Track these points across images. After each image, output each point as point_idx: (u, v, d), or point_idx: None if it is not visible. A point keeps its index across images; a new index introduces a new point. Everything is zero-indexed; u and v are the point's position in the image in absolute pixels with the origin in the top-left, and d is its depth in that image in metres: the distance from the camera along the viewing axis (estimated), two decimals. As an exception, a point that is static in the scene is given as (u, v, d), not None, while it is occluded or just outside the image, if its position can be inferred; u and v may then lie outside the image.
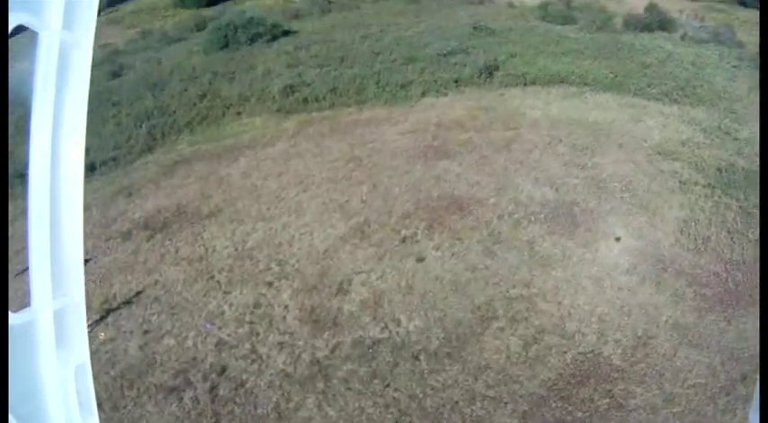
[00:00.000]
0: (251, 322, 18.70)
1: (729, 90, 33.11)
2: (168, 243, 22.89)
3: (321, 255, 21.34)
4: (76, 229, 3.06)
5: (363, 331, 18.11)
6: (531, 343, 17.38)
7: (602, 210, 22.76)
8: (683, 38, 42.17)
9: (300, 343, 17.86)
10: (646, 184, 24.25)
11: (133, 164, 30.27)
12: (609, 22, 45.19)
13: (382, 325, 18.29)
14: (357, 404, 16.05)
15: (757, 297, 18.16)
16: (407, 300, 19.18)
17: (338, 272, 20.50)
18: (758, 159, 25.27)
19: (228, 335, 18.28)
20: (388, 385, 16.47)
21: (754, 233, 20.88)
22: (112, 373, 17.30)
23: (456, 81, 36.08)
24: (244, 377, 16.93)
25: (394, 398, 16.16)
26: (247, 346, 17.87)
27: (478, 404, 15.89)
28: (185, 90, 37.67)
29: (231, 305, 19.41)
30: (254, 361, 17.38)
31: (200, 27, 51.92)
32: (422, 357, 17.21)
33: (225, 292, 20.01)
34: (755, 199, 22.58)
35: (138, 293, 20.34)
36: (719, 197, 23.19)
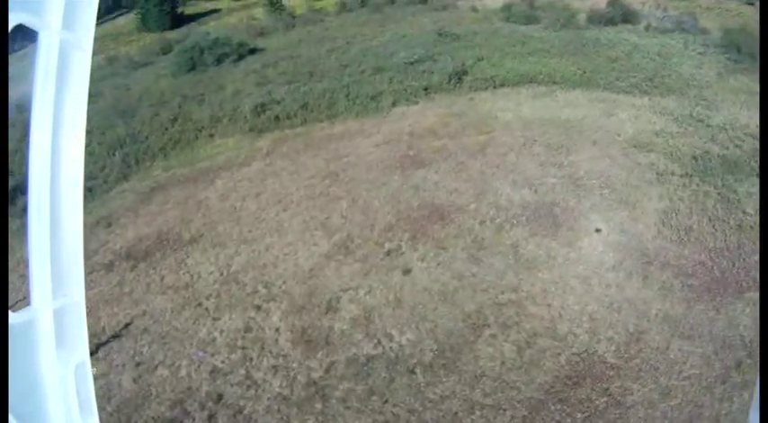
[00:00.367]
0: (243, 347, 18.48)
1: (698, 77, 33.56)
2: (152, 272, 22.59)
3: (307, 274, 21.18)
4: (76, 229, 3.06)
5: (357, 348, 17.97)
6: (525, 347, 17.36)
7: (582, 208, 22.90)
8: (647, 29, 42.80)
9: (294, 365, 17.67)
10: (623, 178, 24.45)
11: (109, 193, 29.87)
12: (572, 18, 45.76)
13: (375, 341, 18.17)
14: (357, 422, 15.91)
15: (744, 284, 18.40)
16: (397, 313, 19.09)
17: (326, 290, 20.36)
18: (732, 145, 25.66)
19: (222, 362, 18.04)
20: (386, 401, 16.33)
21: (736, 219, 21.14)
22: (109, 409, 16.95)
23: (425, 88, 36.22)
24: (241, 403, 16.69)
25: (393, 413, 16.03)
26: (242, 371, 17.64)
27: (478, 413, 15.82)
28: (156, 115, 37.33)
29: (222, 331, 19.17)
30: (249, 386, 17.15)
31: (165, 50, 51.72)
32: (417, 370, 17.10)
33: (214, 319, 19.76)
34: (734, 184, 22.88)
35: (127, 325, 20.01)
36: (698, 185, 23.44)
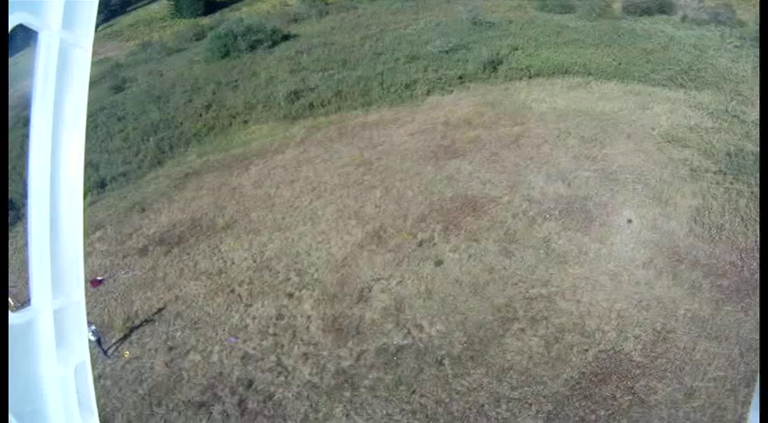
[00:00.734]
0: (275, 334, 18.96)
1: (734, 71, 33.10)
2: (186, 257, 23.15)
3: (340, 263, 21.56)
4: (76, 229, 3.03)
5: (387, 338, 18.34)
6: (553, 343, 17.57)
7: (615, 203, 22.90)
8: (683, 20, 42.12)
9: (325, 353, 18.11)
10: (657, 174, 24.35)
11: (144, 178, 30.51)
12: (608, 8, 45.20)
13: (405, 331, 18.52)
14: (384, 411, 16.29)
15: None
16: (428, 304, 19.39)
17: (358, 279, 20.73)
18: None
19: (253, 348, 18.54)
20: (414, 391, 16.70)
21: (768, 219, 20.98)
22: (140, 392, 17.58)
23: (460, 77, 36.19)
24: (271, 389, 17.19)
25: (421, 404, 16.39)
26: (273, 358, 18.13)
27: (504, 406, 16.11)
28: (190, 101, 37.88)
29: (254, 318, 19.66)
30: (280, 373, 17.65)
31: (198, 36, 52.11)
32: (446, 362, 17.43)
33: (246, 305, 20.26)
34: None
35: (160, 310, 20.62)
36: (731, 183, 23.27)
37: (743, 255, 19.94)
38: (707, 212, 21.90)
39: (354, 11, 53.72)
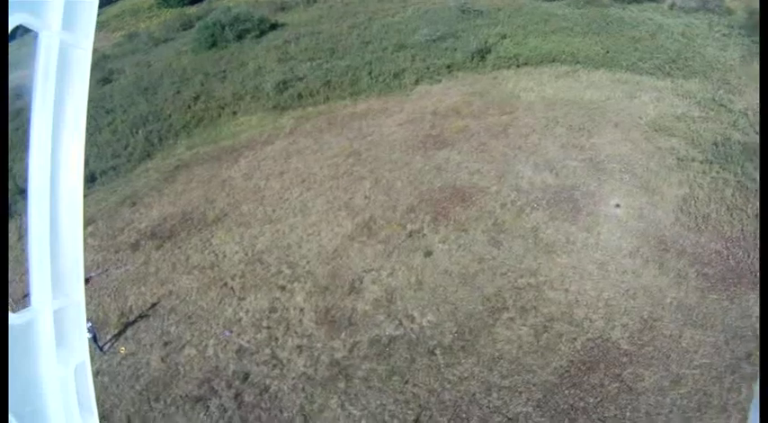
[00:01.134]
0: (268, 327, 19.14)
1: (721, 60, 33.33)
2: (178, 251, 23.25)
3: (330, 255, 21.73)
4: (76, 229, 3.08)
5: (379, 329, 18.56)
6: (542, 332, 17.84)
7: (602, 192, 23.15)
8: (671, 7, 42.27)
9: (319, 345, 18.31)
10: (644, 163, 24.60)
11: (133, 171, 30.53)
12: (596, -5, 45.25)
13: (396, 322, 18.74)
14: (378, 402, 16.52)
15: (758, 274, 18.65)
16: (419, 295, 19.62)
17: (349, 271, 20.92)
18: (753, 132, 25.67)
19: (248, 341, 18.72)
20: (407, 381, 16.94)
21: (753, 208, 21.30)
22: (138, 387, 17.73)
23: (448, 66, 36.34)
24: (267, 382, 17.39)
25: (413, 393, 16.63)
26: (267, 351, 18.32)
27: (495, 395, 16.38)
28: (178, 92, 37.84)
29: (247, 311, 19.83)
30: (275, 366, 17.84)
31: (185, 26, 51.89)
32: (437, 352, 17.67)
33: (240, 299, 20.42)
34: (753, 172, 22.97)
35: (154, 305, 20.73)
36: (717, 172, 23.55)
37: (728, 244, 20.24)
38: (693, 202, 22.18)
39: (342, -2, 53.70)
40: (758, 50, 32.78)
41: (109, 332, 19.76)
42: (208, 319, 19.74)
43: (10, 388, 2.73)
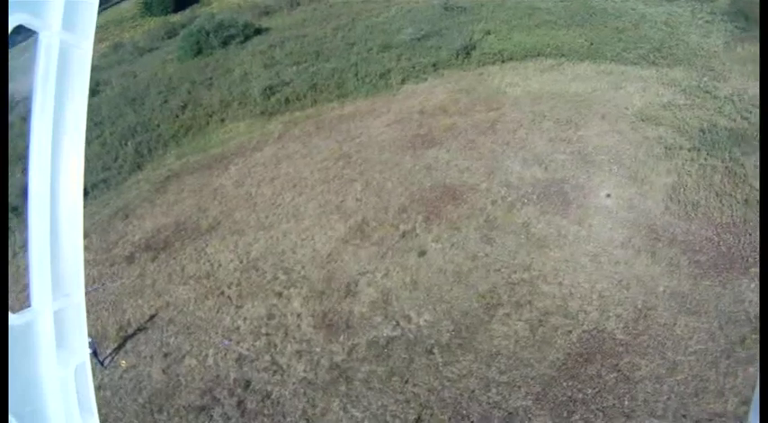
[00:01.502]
0: (267, 334, 19.25)
1: (705, 47, 33.50)
2: (173, 262, 23.30)
3: (325, 259, 21.84)
4: (76, 229, 3.08)
5: (377, 331, 18.70)
6: (537, 326, 18.01)
7: (591, 184, 23.32)
8: (654, -4, 42.42)
9: (318, 349, 18.44)
10: (632, 153, 24.77)
11: (125, 183, 30.49)
12: (578, -13, 45.38)
13: (394, 323, 18.89)
14: (380, 403, 16.68)
15: (750, 259, 18.87)
16: (414, 295, 19.76)
17: (344, 274, 21.04)
18: (740, 117, 25.87)
19: (247, 349, 18.84)
20: (406, 381, 17.10)
21: (743, 193, 21.50)
22: (140, 400, 17.84)
23: (434, 65, 36.37)
24: (268, 388, 17.52)
25: (414, 393, 16.79)
26: (267, 357, 18.44)
27: (494, 390, 16.55)
28: (165, 102, 37.68)
29: (245, 319, 19.93)
30: (275, 372, 17.97)
31: (170, 34, 51.63)
32: (435, 351, 17.83)
33: (237, 307, 20.52)
34: (741, 158, 23.16)
35: (152, 317, 20.81)
36: (705, 159, 23.72)
37: (719, 230, 20.43)
38: (682, 190, 22.36)
39: (326, 1, 53.45)
40: (741, 36, 33.09)
41: (108, 346, 19.83)
42: (206, 329, 19.82)
43: (10, 388, 2.73)
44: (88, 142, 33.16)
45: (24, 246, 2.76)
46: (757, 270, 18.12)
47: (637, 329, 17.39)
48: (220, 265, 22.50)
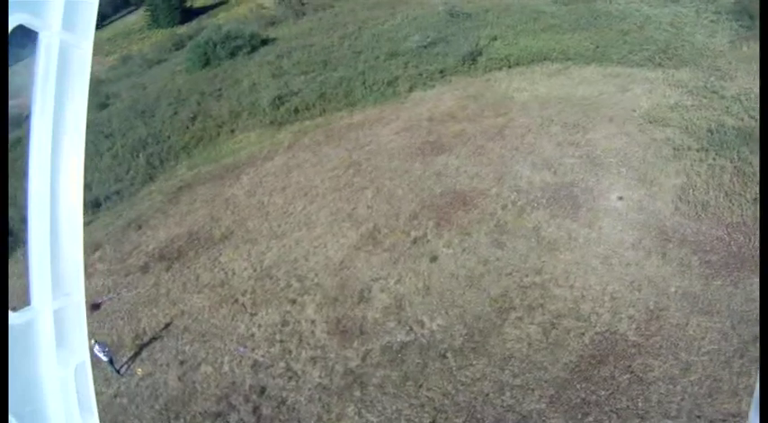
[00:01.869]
0: (281, 341, 19.45)
1: (710, 47, 33.58)
2: (187, 271, 23.57)
3: (338, 266, 22.03)
4: (76, 229, 3.02)
5: (390, 336, 18.85)
6: (550, 329, 18.10)
7: (601, 187, 23.41)
8: (657, -3, 42.50)
9: (332, 355, 18.61)
10: (640, 155, 24.87)
11: (137, 195, 30.90)
12: (582, -10, 45.51)
13: (407, 328, 19.03)
14: (394, 407, 16.80)
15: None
16: (427, 300, 19.90)
17: (357, 281, 21.22)
18: (747, 116, 25.93)
19: (262, 356, 19.03)
20: (420, 386, 17.22)
21: (752, 192, 21.54)
22: (157, 407, 18.07)
23: (441, 71, 36.65)
24: (284, 395, 17.70)
25: (428, 397, 16.91)
26: (282, 364, 18.62)
27: (507, 393, 16.65)
28: (175, 113, 38.15)
29: (260, 326, 20.14)
30: (290, 378, 18.15)
31: (178, 46, 52.33)
32: (449, 355, 17.95)
33: (251, 314, 20.73)
34: (749, 156, 23.20)
35: (167, 325, 21.06)
36: (714, 159, 23.78)
37: (729, 229, 20.49)
38: (691, 190, 22.43)
39: (331, 9, 54.00)
40: (747, 35, 33.14)
41: (124, 355, 20.09)
42: (221, 337, 20.04)
43: (10, 388, 2.71)
44: (100, 155, 33.79)
45: (24, 245, 2.79)
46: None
47: (649, 330, 17.46)
48: (234, 274, 22.74)
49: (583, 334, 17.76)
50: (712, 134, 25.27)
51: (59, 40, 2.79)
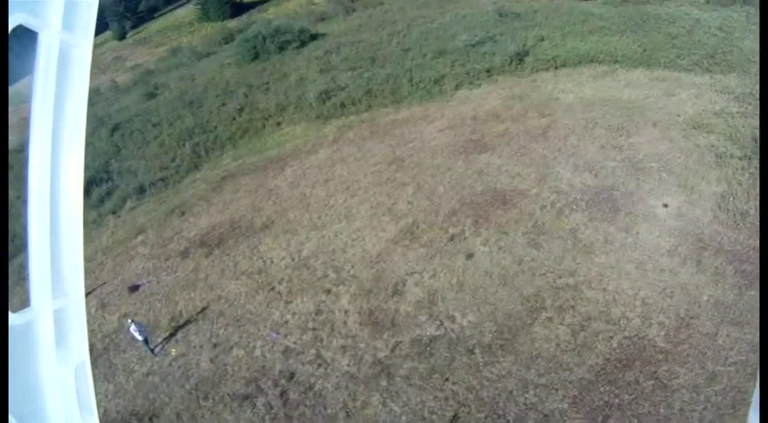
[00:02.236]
0: (314, 329, 19.97)
1: (760, 54, 32.95)
2: (226, 258, 24.28)
3: (374, 259, 22.46)
4: (76, 229, 3.04)
5: (420, 330, 19.21)
6: (579, 330, 18.23)
7: (641, 192, 23.34)
8: (708, 1, 41.78)
9: (362, 345, 19.06)
10: (682, 161, 24.70)
11: (181, 182, 31.78)
12: (633, -7, 45.04)
13: (438, 322, 19.35)
14: (419, 399, 17.15)
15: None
16: (460, 296, 20.19)
17: (392, 274, 21.61)
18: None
19: (294, 342, 19.58)
20: (446, 379, 17.54)
21: (792, 204, 21.22)
22: (187, 387, 18.75)
23: (488, 71, 36.75)
24: (312, 381, 18.20)
25: (453, 391, 17.22)
26: (312, 351, 19.14)
27: (531, 392, 16.85)
28: (223, 105, 38.96)
29: (294, 314, 20.70)
30: (320, 365, 18.65)
31: (227, 40, 53.18)
32: (476, 351, 18.22)
33: (286, 302, 21.30)
34: (792, 168, 22.84)
35: (204, 309, 21.77)
36: (756, 168, 23.49)
37: (767, 240, 20.24)
38: (731, 198, 22.24)
39: (381, 7, 54.36)
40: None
41: (160, 335, 20.87)
42: (255, 322, 20.67)
43: (10, 388, 2.74)
44: (147, 143, 34.89)
45: (24, 246, 2.93)
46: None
47: (678, 338, 17.46)
48: (272, 262, 23.35)
49: (611, 337, 17.84)
50: (757, 143, 24.91)
51: (59, 39, 2.83)
